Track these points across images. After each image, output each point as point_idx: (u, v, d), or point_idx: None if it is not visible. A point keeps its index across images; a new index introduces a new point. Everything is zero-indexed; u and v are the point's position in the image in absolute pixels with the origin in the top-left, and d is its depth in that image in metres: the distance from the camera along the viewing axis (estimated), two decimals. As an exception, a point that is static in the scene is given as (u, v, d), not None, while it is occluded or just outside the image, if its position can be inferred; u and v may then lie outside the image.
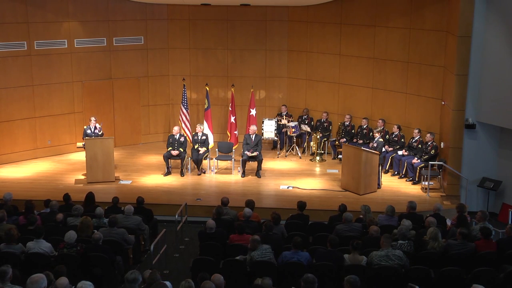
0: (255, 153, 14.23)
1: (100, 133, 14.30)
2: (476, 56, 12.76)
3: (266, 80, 17.11)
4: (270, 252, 8.33)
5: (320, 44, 16.31)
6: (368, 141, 14.71)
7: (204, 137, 14.59)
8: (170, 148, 14.30)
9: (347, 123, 15.50)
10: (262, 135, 15.76)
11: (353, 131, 15.44)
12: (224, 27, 16.87)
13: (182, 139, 14.46)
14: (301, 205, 10.53)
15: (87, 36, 15.86)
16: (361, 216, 10.35)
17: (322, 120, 15.98)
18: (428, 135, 13.79)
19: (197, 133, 14.64)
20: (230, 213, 10.53)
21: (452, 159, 13.24)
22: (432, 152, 13.55)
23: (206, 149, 14.59)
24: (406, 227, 8.99)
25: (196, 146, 14.48)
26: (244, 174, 14.36)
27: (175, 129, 14.56)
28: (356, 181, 13.22)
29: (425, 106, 14.41)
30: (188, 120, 15.39)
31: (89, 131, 14.24)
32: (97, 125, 14.34)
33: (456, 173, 13.17)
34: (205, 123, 15.36)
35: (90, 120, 14.38)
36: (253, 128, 14.69)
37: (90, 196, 11.14)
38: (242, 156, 14.39)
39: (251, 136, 14.50)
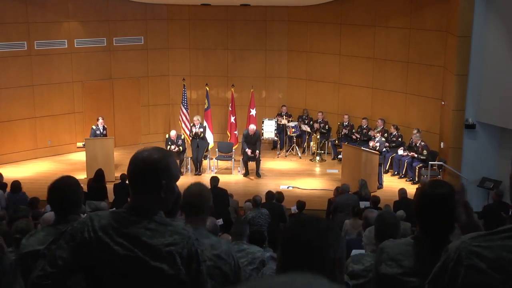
0: (256, 152, 14.21)
1: (104, 133, 14.29)
2: (476, 56, 12.75)
3: (266, 80, 17.11)
4: (264, 220, 8.44)
5: (320, 44, 16.30)
6: (365, 138, 14.72)
7: (201, 129, 14.54)
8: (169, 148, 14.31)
9: (345, 123, 15.49)
10: (262, 135, 15.75)
11: (352, 131, 15.43)
12: (224, 27, 16.87)
13: (179, 142, 14.42)
14: (300, 205, 10.54)
15: (87, 36, 15.85)
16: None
17: (318, 120, 15.95)
18: (415, 131, 13.71)
19: (194, 124, 14.60)
20: (233, 202, 10.76)
21: (452, 159, 13.24)
22: (425, 152, 13.47)
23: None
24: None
25: (193, 132, 14.48)
26: (247, 172, 14.39)
27: (173, 133, 14.47)
28: (356, 181, 13.20)
29: (425, 106, 14.41)
30: (188, 120, 15.37)
31: (98, 132, 14.19)
32: (105, 126, 14.31)
33: (456, 173, 13.16)
34: (205, 123, 15.36)
35: (98, 120, 14.21)
36: (252, 127, 14.56)
37: (99, 173, 11.09)
38: (242, 155, 14.38)
39: (251, 135, 14.46)
